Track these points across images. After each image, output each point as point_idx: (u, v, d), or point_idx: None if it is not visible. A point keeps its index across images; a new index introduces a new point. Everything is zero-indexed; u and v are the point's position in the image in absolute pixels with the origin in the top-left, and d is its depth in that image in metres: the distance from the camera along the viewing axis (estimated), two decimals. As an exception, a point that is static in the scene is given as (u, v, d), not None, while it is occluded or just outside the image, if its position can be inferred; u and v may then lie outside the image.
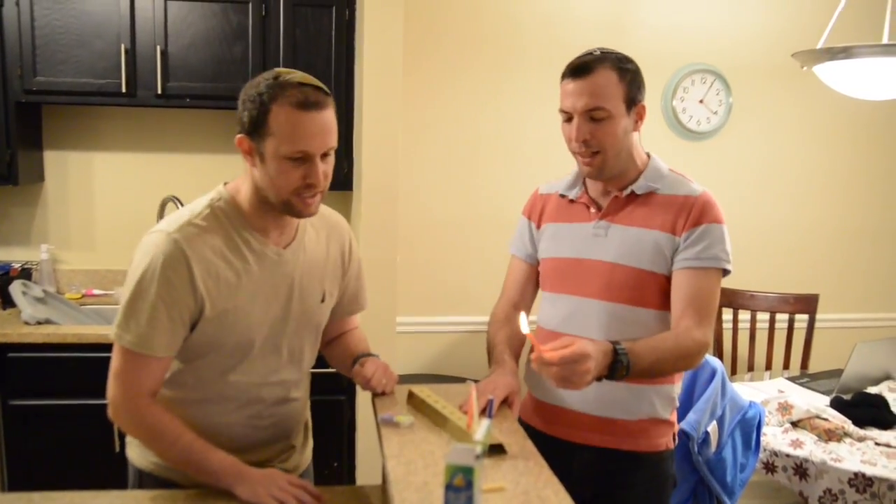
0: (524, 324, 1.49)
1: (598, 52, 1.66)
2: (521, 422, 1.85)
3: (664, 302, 1.69)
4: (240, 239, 1.49)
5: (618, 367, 1.48)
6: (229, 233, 1.48)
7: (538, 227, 1.86)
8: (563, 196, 1.82)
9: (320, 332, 1.69)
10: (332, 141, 1.44)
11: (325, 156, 1.44)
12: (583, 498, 1.66)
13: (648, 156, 1.78)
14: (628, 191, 1.72)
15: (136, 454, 1.59)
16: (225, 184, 1.55)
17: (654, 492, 1.77)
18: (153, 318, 1.41)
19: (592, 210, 1.75)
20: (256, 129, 1.40)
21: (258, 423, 1.58)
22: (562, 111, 1.69)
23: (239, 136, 1.44)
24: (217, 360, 1.51)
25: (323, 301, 1.63)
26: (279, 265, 1.53)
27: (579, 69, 1.64)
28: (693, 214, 1.66)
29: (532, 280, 1.89)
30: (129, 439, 1.61)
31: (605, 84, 1.63)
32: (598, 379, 1.47)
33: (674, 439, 1.81)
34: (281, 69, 1.44)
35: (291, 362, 1.61)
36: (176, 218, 1.47)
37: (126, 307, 1.44)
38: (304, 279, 1.58)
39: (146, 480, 1.56)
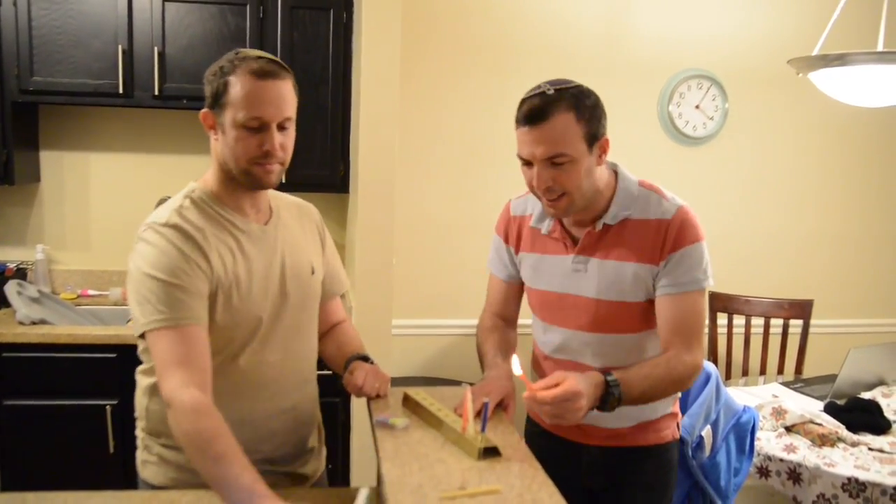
0: (516, 366, 1.50)
1: (551, 91, 1.57)
2: (530, 420, 1.87)
3: (652, 320, 1.69)
4: (224, 220, 1.52)
5: (609, 398, 1.49)
6: (213, 217, 1.51)
7: (516, 252, 1.83)
8: (535, 227, 1.78)
9: (318, 307, 1.70)
10: (289, 111, 1.48)
11: (282, 128, 1.48)
12: (592, 488, 1.66)
13: (616, 174, 1.70)
14: (600, 225, 1.67)
15: (153, 472, 1.57)
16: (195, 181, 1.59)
17: (660, 480, 1.81)
18: (180, 288, 1.41)
19: (568, 244, 1.72)
20: (217, 101, 1.47)
21: (280, 405, 1.59)
22: (519, 157, 1.63)
23: (203, 111, 1.51)
24: (226, 346, 1.50)
25: (313, 273, 1.66)
26: (265, 241, 1.56)
27: (534, 116, 1.57)
28: (668, 241, 1.62)
29: (515, 296, 1.89)
30: (143, 458, 1.60)
31: (563, 128, 1.54)
32: (592, 409, 1.49)
33: (678, 428, 1.85)
34: (243, 48, 1.51)
35: (298, 337, 1.62)
36: (162, 213, 1.50)
37: (154, 294, 1.40)
38: (290, 253, 1.61)
39: None
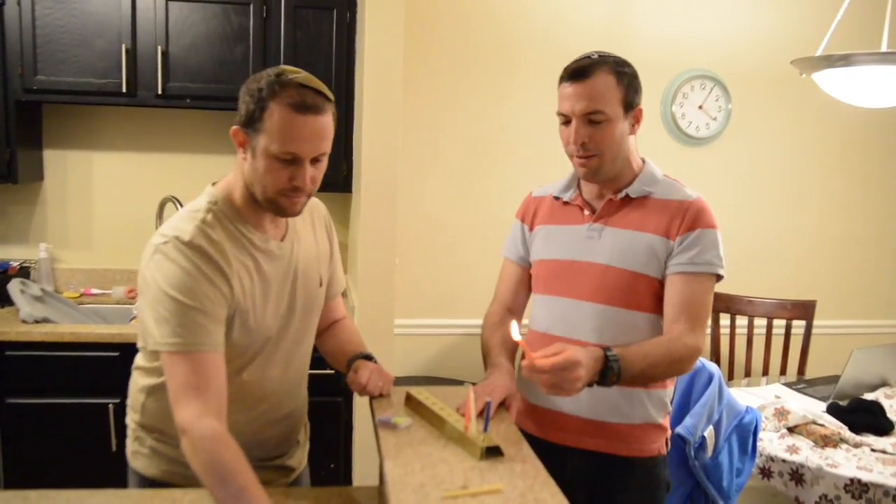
0: (515, 331, 1.50)
1: (595, 56, 1.66)
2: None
3: (657, 305, 1.69)
4: (244, 239, 1.49)
5: (608, 373, 1.49)
6: (234, 235, 1.48)
7: (531, 229, 1.86)
8: (557, 198, 1.82)
9: (319, 315, 1.70)
10: (325, 147, 1.44)
11: (315, 160, 1.44)
12: (576, 502, 1.65)
13: (644, 161, 1.78)
14: (623, 194, 1.72)
15: (144, 464, 1.58)
16: (213, 184, 1.55)
17: (647, 497, 1.78)
18: (207, 315, 1.38)
19: (586, 212, 1.76)
20: (251, 123, 1.40)
21: (273, 416, 1.59)
22: (560, 114, 1.69)
23: (235, 127, 1.45)
24: (231, 361, 1.48)
25: (321, 285, 1.66)
26: (281, 258, 1.55)
27: (578, 73, 1.64)
28: (687, 219, 1.66)
29: (524, 283, 1.90)
30: (134, 448, 1.60)
31: (604, 88, 1.63)
32: (590, 385, 1.49)
33: (666, 444, 1.81)
34: (287, 67, 1.44)
35: (297, 349, 1.62)
36: (183, 224, 1.44)
37: (174, 316, 1.37)
38: (303, 268, 1.60)
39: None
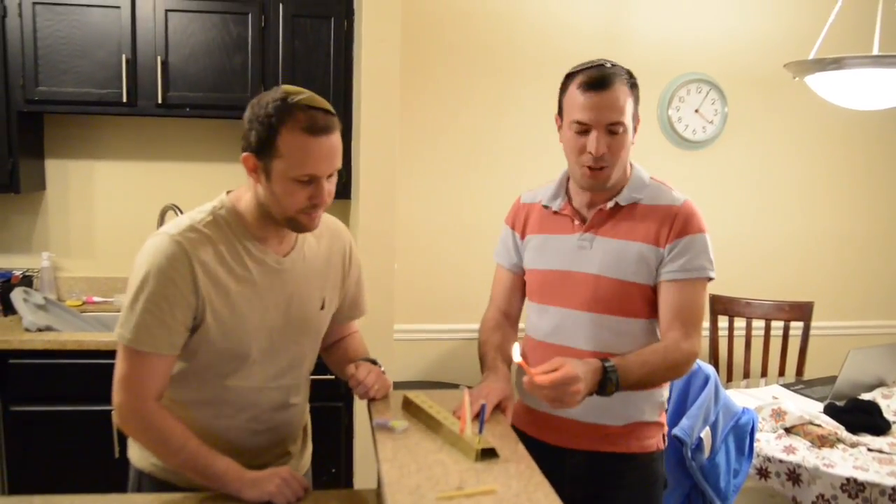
0: (516, 353, 1.51)
1: (609, 65, 1.66)
2: (514, 428, 1.87)
3: (650, 311, 1.71)
4: (241, 247, 1.51)
5: (607, 384, 1.52)
6: (230, 240, 1.50)
7: (522, 237, 1.87)
8: (546, 207, 1.83)
9: (320, 339, 1.71)
10: (338, 163, 1.48)
11: (329, 176, 1.48)
12: (575, 499, 1.68)
13: (631, 165, 1.79)
14: (612, 203, 1.73)
15: (137, 455, 1.62)
16: (228, 192, 1.57)
17: (644, 492, 1.80)
18: (155, 315, 1.43)
19: (577, 222, 1.77)
20: (264, 149, 1.42)
21: (255, 428, 1.60)
22: (578, 122, 1.65)
23: (245, 153, 1.46)
24: (216, 366, 1.53)
25: (322, 308, 1.65)
26: (279, 273, 1.56)
27: (600, 82, 1.63)
28: (676, 225, 1.68)
29: (518, 289, 1.91)
30: (130, 440, 1.63)
31: (624, 99, 1.64)
32: (589, 394, 1.52)
33: (664, 440, 1.84)
34: (288, 88, 1.45)
35: (291, 369, 1.63)
36: (178, 222, 1.50)
37: (129, 306, 1.45)
38: (302, 287, 1.60)
39: (145, 481, 1.59)
